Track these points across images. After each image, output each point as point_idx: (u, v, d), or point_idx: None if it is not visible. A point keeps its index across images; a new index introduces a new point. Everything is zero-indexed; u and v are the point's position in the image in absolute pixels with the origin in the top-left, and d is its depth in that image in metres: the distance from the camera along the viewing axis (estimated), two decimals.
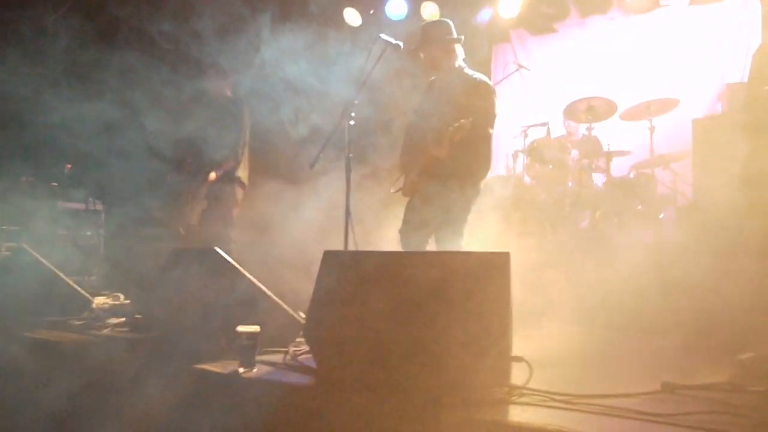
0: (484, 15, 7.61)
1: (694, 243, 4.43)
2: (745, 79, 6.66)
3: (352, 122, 3.59)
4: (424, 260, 2.78)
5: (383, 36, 3.90)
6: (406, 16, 7.65)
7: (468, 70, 4.29)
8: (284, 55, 4.76)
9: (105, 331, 3.79)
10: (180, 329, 3.28)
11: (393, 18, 7.65)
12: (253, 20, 5.65)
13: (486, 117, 4.10)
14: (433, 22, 4.48)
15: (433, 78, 4.43)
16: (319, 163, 3.47)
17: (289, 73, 4.75)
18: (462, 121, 3.75)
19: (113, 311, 4.67)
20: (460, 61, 4.32)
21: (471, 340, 2.39)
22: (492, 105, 4.16)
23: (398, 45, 4.00)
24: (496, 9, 7.39)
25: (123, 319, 4.24)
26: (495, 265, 2.55)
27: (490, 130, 4.16)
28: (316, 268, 2.80)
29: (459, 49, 4.33)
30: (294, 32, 5.08)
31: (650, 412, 2.10)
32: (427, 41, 4.29)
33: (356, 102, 3.63)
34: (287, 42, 4.90)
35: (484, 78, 4.26)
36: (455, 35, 4.29)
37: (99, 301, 4.94)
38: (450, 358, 2.39)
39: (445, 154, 3.93)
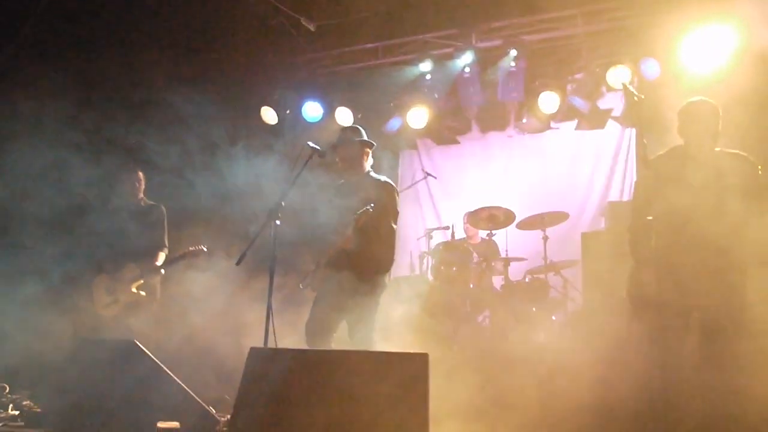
0: (394, 123, 8.11)
1: (584, 345, 4.81)
2: (624, 198, 7.49)
3: (278, 222, 3.73)
4: (346, 360, 2.90)
5: (310, 143, 4.14)
6: (321, 119, 8.02)
7: (374, 174, 4.59)
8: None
9: None
10: (87, 424, 3.16)
11: (309, 120, 8.00)
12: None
13: (390, 212, 4.37)
14: (352, 127, 4.78)
15: (341, 182, 4.64)
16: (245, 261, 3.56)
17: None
18: (366, 207, 4.01)
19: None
20: (369, 166, 4.61)
21: None
22: (395, 202, 4.46)
23: (324, 152, 4.25)
24: (406, 119, 7.90)
25: (16, 412, 4.01)
26: (414, 366, 2.70)
27: (394, 225, 4.40)
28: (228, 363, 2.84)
29: (370, 154, 4.65)
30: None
31: None
32: (347, 142, 4.57)
33: (283, 204, 3.78)
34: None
35: (389, 179, 4.57)
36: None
37: None
38: None
39: (352, 244, 4.11)
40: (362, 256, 4.19)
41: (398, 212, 4.48)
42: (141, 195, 5.73)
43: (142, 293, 5.26)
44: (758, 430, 3.08)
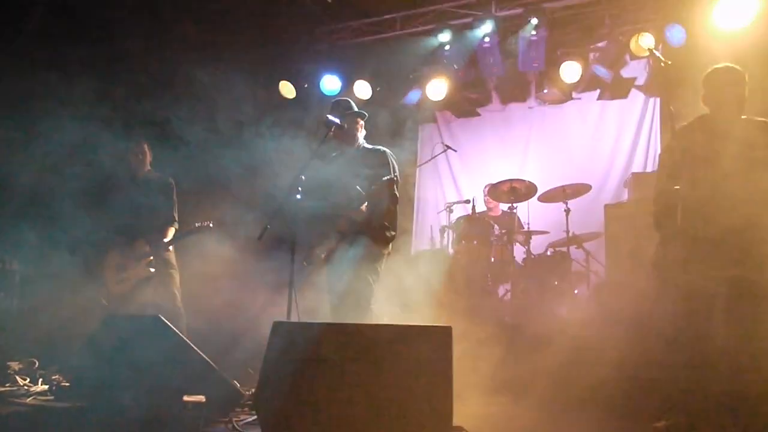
0: (413, 96, 8.03)
1: (608, 319, 4.76)
2: (648, 169, 7.35)
3: (298, 196, 3.70)
4: (371, 332, 2.89)
5: (329, 116, 4.10)
6: (340, 92, 7.95)
7: (368, 144, 4.55)
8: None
9: (28, 399, 3.61)
10: (114, 398, 3.20)
11: (327, 93, 7.93)
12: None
13: (391, 181, 4.30)
14: (342, 100, 4.72)
15: (334, 154, 4.58)
16: (266, 235, 3.55)
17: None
18: (384, 179, 4.06)
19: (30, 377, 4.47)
20: (362, 137, 4.56)
21: (415, 411, 2.51)
22: (395, 170, 4.39)
23: (343, 125, 4.22)
24: (425, 91, 7.81)
25: (45, 387, 4.07)
26: (438, 338, 2.69)
27: (395, 192, 4.36)
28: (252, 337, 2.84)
29: (363, 125, 4.61)
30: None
31: None
32: (361, 117, 4.53)
33: (303, 177, 3.75)
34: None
35: (385, 148, 4.50)
36: None
37: (14, 366, 4.71)
38: (397, 428, 2.49)
39: (362, 216, 4.12)
40: (367, 225, 4.17)
41: (398, 179, 4.43)
42: (147, 167, 5.71)
43: (152, 270, 5.28)
44: None
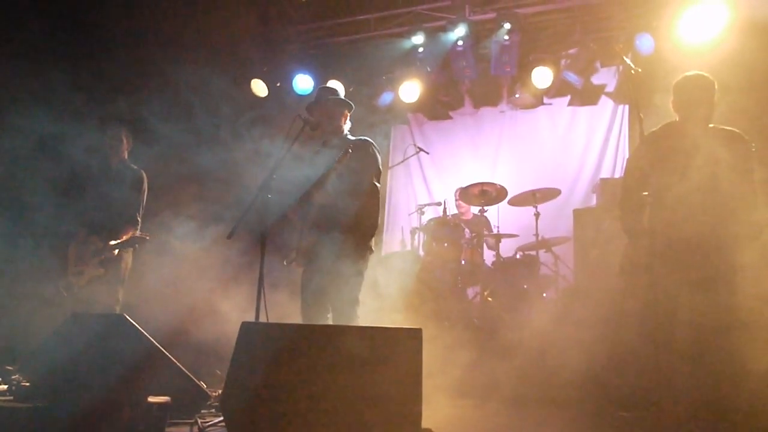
0: (386, 98, 8.04)
1: (575, 322, 4.82)
2: (616, 175, 7.47)
3: (269, 195, 3.65)
4: (340, 335, 2.87)
5: (302, 115, 4.05)
6: (312, 92, 7.91)
7: (352, 136, 4.41)
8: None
9: None
10: (76, 399, 3.12)
11: (299, 92, 7.89)
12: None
13: (371, 168, 4.20)
14: (329, 87, 4.64)
15: (318, 150, 4.43)
16: (238, 234, 3.50)
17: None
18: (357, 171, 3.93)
19: None
20: (347, 129, 4.46)
21: (385, 414, 2.50)
22: (377, 160, 4.27)
23: (316, 123, 4.16)
24: (398, 93, 7.82)
25: (5, 386, 3.96)
26: (408, 340, 2.69)
27: (377, 183, 4.24)
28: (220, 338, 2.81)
29: (349, 117, 4.51)
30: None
31: None
32: (323, 100, 4.40)
33: (274, 177, 3.71)
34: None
35: (368, 138, 4.36)
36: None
37: None
38: (364, 430, 2.48)
39: (329, 196, 4.00)
40: (345, 216, 4.02)
41: (380, 171, 4.31)
42: (124, 156, 5.59)
43: (101, 270, 5.15)
44: (756, 396, 3.10)
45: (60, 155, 5.39)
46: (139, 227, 5.45)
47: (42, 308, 5.07)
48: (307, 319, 4.09)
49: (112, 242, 5.21)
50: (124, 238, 5.27)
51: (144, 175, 5.56)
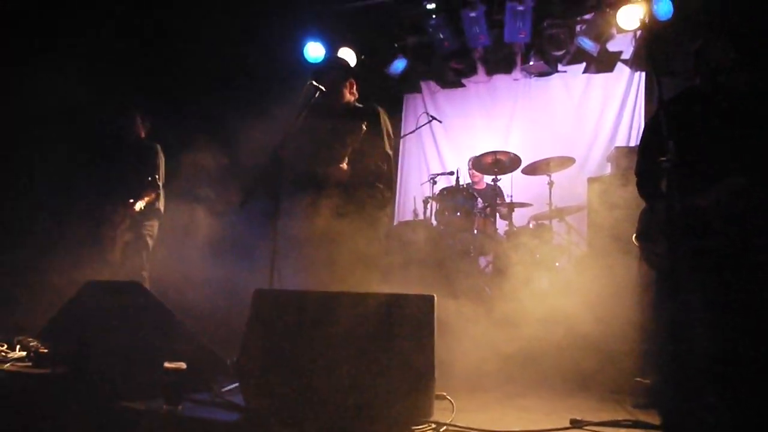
0: (398, 65, 7.94)
1: (590, 287, 4.81)
2: (631, 143, 7.37)
3: (280, 165, 3.62)
4: (355, 301, 2.87)
5: (314, 81, 4.00)
6: (324, 59, 7.83)
7: (358, 104, 4.34)
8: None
9: (6, 366, 3.56)
10: (94, 365, 3.16)
11: (311, 60, 7.80)
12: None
13: (383, 137, 4.14)
14: (338, 56, 4.57)
15: (330, 124, 4.40)
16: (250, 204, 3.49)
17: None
18: (369, 139, 3.87)
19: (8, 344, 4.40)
20: (353, 99, 4.39)
21: (399, 380, 2.51)
22: (387, 126, 4.21)
23: (328, 90, 4.11)
24: (410, 61, 7.73)
25: (23, 353, 4.02)
26: (422, 307, 2.69)
27: (389, 150, 4.18)
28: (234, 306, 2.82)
29: (354, 86, 4.42)
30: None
31: None
32: (328, 66, 4.35)
33: (284, 145, 3.67)
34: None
35: (377, 105, 4.29)
36: None
37: None
38: (379, 396, 2.49)
39: (347, 174, 3.95)
40: (360, 185, 3.99)
41: (392, 137, 4.27)
42: (141, 135, 5.69)
43: (130, 234, 5.34)
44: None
45: (75, 127, 5.47)
46: (161, 193, 5.61)
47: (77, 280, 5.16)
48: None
49: (131, 200, 5.33)
50: (147, 199, 5.40)
51: (158, 146, 5.71)
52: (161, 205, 5.64)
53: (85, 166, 5.64)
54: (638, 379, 3.11)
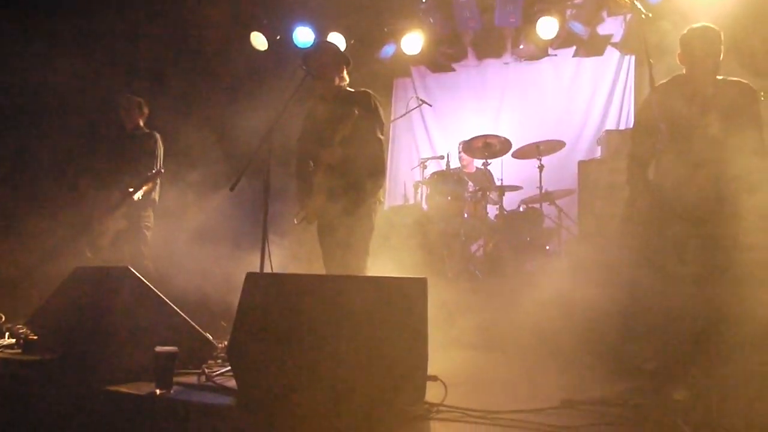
0: (388, 50, 7.91)
1: (580, 269, 4.85)
2: (621, 127, 7.40)
3: (271, 148, 3.61)
4: (347, 284, 2.87)
5: (304, 66, 3.98)
6: (313, 44, 7.78)
7: (349, 88, 4.30)
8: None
9: None
10: (84, 350, 3.15)
11: (300, 45, 7.75)
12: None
13: (375, 123, 4.13)
14: (329, 41, 4.54)
15: (318, 105, 4.34)
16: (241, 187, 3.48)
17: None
18: (347, 119, 3.87)
19: None
20: (344, 84, 4.36)
21: (392, 361, 2.52)
22: (379, 112, 4.20)
23: (318, 75, 4.08)
24: (400, 45, 7.70)
25: (12, 340, 4.00)
26: (414, 289, 2.69)
27: (380, 136, 4.16)
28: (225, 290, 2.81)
29: (345, 72, 4.40)
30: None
31: (554, 424, 2.32)
32: (319, 50, 4.32)
33: (275, 127, 3.65)
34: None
35: (368, 90, 4.26)
36: None
37: None
38: (372, 378, 2.50)
39: (338, 156, 3.98)
40: (353, 171, 4.00)
41: (383, 123, 4.25)
42: (139, 124, 5.65)
43: (125, 222, 5.32)
44: (755, 344, 3.12)
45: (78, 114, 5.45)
46: (158, 180, 5.61)
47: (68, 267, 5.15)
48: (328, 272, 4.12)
49: (131, 189, 5.31)
50: (146, 188, 5.40)
51: (157, 135, 5.69)
52: (156, 195, 5.62)
53: (83, 155, 5.60)
54: (643, 365, 3.14)
